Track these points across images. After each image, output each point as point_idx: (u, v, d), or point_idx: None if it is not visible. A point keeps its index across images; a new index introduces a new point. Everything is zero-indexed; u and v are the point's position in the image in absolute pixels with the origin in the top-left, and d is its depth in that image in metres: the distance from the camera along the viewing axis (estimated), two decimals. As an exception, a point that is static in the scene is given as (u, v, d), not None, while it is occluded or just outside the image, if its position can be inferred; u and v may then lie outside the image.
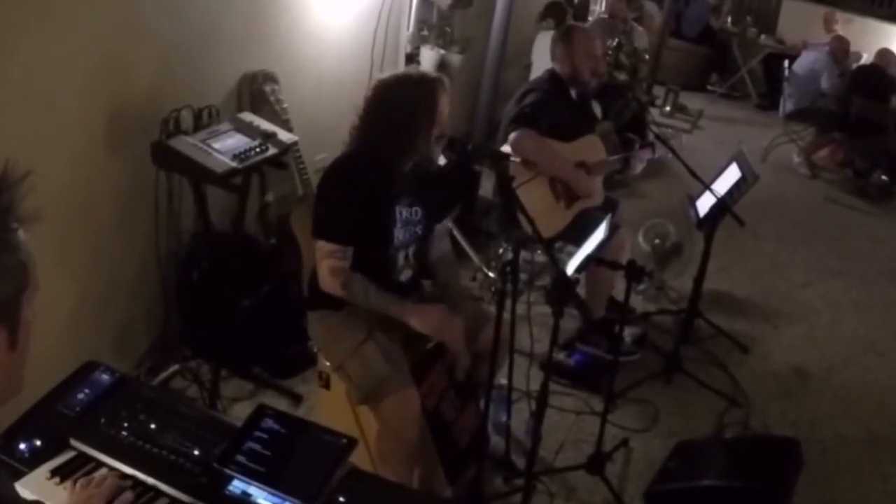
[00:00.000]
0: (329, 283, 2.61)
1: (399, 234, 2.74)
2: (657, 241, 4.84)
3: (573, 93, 4.00)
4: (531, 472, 2.88)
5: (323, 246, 2.61)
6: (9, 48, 2.51)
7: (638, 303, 4.56)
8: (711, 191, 3.80)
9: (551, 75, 3.99)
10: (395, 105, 2.63)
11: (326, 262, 2.60)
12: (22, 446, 1.71)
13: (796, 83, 7.93)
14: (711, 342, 4.26)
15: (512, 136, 3.67)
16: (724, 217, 3.82)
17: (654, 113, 8.12)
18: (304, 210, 3.62)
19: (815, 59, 7.96)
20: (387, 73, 2.78)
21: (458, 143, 2.73)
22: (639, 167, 4.11)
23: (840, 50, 7.91)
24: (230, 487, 1.63)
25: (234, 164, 2.95)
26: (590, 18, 7.82)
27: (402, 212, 2.74)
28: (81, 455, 1.73)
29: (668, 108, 8.72)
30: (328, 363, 2.77)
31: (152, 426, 1.77)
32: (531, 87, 3.95)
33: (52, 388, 1.85)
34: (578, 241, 2.97)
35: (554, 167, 3.78)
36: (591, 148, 3.97)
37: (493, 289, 4.17)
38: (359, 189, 2.60)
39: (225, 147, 3.00)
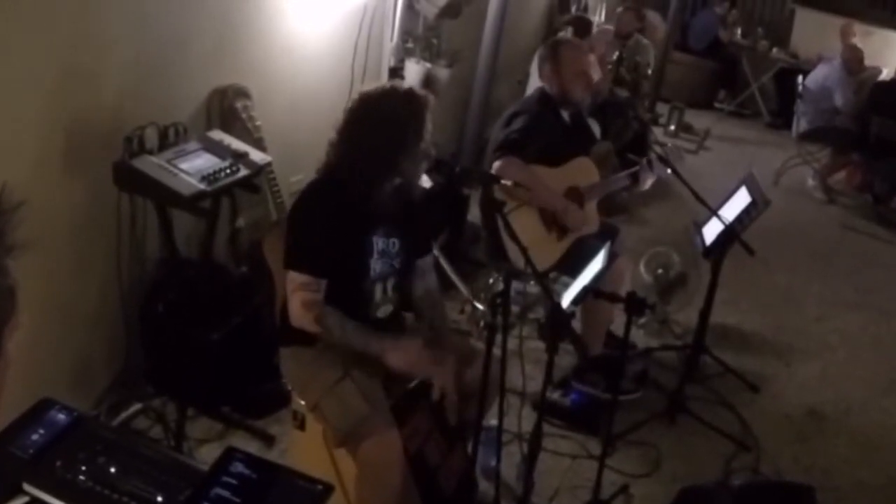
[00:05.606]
0: (301, 317, 2.63)
1: (375, 266, 2.76)
2: (660, 270, 4.87)
3: (565, 113, 4.03)
4: (523, 521, 2.90)
5: (295, 277, 2.63)
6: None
7: (639, 338, 4.58)
8: (719, 217, 3.83)
9: (541, 95, 4.02)
10: (380, 121, 2.64)
11: (298, 295, 2.62)
12: (-30, 491, 1.71)
13: (810, 100, 7.92)
14: (718, 380, 4.28)
15: (496, 164, 3.67)
16: (732, 245, 3.84)
17: (657, 132, 8.19)
18: (278, 236, 3.61)
19: (826, 73, 7.94)
20: (371, 86, 2.79)
21: (445, 164, 2.77)
22: (649, 181, 4.11)
23: (853, 59, 7.89)
24: (196, 536, 1.64)
25: (202, 186, 2.98)
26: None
27: (379, 242, 2.76)
28: (35, 501, 1.73)
29: (672, 127, 8.77)
30: (303, 402, 2.78)
31: (112, 470, 1.77)
32: (519, 110, 3.96)
33: (4, 428, 1.85)
34: (574, 271, 2.99)
35: (541, 198, 3.78)
36: (583, 171, 4.00)
37: (482, 322, 4.19)
38: (332, 215, 2.62)
39: (193, 168, 3.03)
